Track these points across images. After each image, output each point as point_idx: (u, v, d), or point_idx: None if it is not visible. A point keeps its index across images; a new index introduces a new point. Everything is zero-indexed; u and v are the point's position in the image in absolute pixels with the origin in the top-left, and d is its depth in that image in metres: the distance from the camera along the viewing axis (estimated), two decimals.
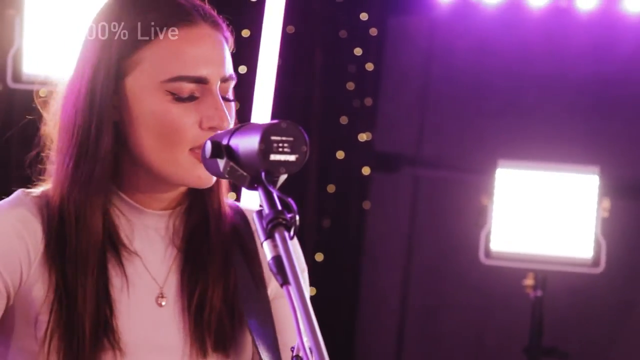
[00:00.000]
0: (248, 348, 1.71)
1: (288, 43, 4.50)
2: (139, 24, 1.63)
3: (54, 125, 1.67)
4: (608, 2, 4.80)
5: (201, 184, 1.61)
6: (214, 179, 1.62)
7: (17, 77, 3.31)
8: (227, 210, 1.72)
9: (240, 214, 1.74)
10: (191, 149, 1.60)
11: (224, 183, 1.70)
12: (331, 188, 5.02)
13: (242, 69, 3.87)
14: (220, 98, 1.61)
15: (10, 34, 3.39)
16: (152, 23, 1.63)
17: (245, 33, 4.22)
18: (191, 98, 1.60)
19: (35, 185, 1.69)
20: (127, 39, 1.63)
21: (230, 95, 1.66)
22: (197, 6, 1.65)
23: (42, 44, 3.35)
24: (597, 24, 4.85)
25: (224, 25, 1.67)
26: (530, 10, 4.87)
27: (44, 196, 1.66)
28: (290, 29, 4.73)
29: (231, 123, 1.64)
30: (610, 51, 4.96)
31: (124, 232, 1.66)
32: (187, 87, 1.60)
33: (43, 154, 1.69)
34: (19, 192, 1.66)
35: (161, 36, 1.62)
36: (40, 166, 1.70)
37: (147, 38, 1.62)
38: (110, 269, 1.64)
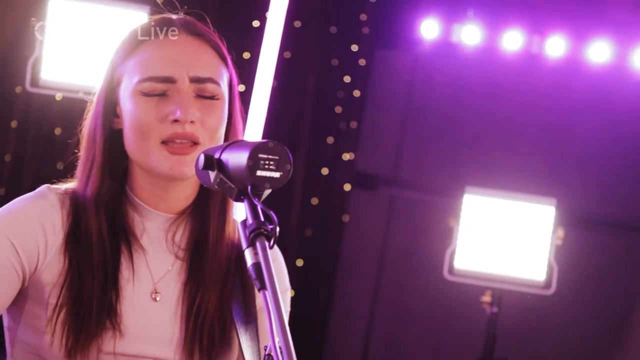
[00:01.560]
0: (232, 357, 1.71)
1: (284, 67, 4.51)
2: (126, 42, 1.69)
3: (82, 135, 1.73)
4: (574, 52, 4.82)
5: (174, 175, 1.62)
6: (191, 172, 1.59)
7: (34, 83, 3.30)
8: (230, 221, 1.71)
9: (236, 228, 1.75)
10: (162, 142, 1.62)
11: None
12: (314, 200, 5.02)
13: (241, 88, 3.87)
14: (189, 95, 1.62)
15: (32, 41, 3.39)
16: (132, 39, 1.68)
17: (246, 55, 4.22)
18: (161, 96, 1.63)
19: (62, 182, 1.72)
20: (118, 57, 1.69)
21: (216, 93, 1.65)
22: (181, 20, 1.69)
23: (61, 54, 3.34)
24: (562, 70, 4.88)
25: (209, 35, 1.69)
26: (504, 54, 4.89)
27: (67, 192, 1.68)
28: (287, 54, 4.74)
29: (220, 120, 1.66)
30: (571, 95, 4.99)
31: (137, 229, 1.68)
32: (157, 87, 1.63)
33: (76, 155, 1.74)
34: (43, 187, 1.69)
35: (138, 48, 1.66)
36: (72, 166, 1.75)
37: (129, 52, 1.67)
38: (122, 260, 1.65)
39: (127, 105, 1.64)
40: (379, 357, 5.17)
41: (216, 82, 1.65)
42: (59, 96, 3.86)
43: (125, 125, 1.65)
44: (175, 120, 1.60)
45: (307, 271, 4.93)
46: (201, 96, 1.64)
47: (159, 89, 1.62)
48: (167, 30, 1.67)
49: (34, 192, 1.68)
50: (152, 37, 1.66)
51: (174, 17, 1.71)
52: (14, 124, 4.30)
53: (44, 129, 4.24)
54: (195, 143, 1.61)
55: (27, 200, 1.67)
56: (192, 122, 1.61)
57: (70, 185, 1.70)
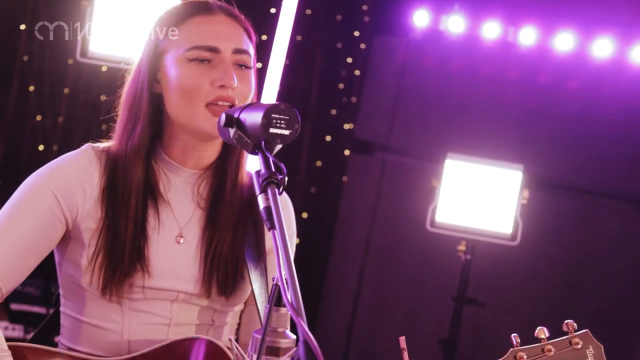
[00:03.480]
0: (243, 294, 1.72)
1: (295, 48, 4.48)
2: (171, 17, 1.68)
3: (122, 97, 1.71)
4: (543, 41, 4.80)
5: (215, 133, 1.60)
6: None
7: (84, 54, 3.29)
8: (244, 176, 1.72)
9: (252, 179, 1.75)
10: (206, 105, 1.61)
11: (244, 155, 1.70)
12: (318, 163, 5.02)
13: (259, 65, 3.86)
14: (231, 64, 1.63)
15: (82, 19, 3.37)
16: (182, 14, 1.67)
17: (264, 37, 4.20)
18: (207, 63, 1.62)
19: (103, 140, 1.72)
20: (163, 29, 1.67)
21: (249, 64, 1.66)
22: (219, 4, 1.70)
23: (106, 30, 3.33)
24: (532, 56, 4.86)
25: (241, 18, 1.70)
26: (484, 41, 4.87)
27: (106, 150, 1.68)
28: (299, 37, 4.71)
29: (251, 88, 1.66)
30: (539, 77, 4.97)
31: (162, 184, 1.68)
32: (203, 55, 1.62)
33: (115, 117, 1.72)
34: (86, 146, 1.69)
35: (187, 22, 1.65)
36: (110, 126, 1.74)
37: (175, 25, 1.66)
38: (149, 211, 1.66)
39: (172, 71, 1.63)
40: (370, 295, 5.19)
41: (250, 54, 1.66)
42: (104, 67, 3.85)
43: (170, 89, 1.63)
44: (222, 86, 1.60)
45: (310, 222, 4.95)
46: (239, 65, 1.64)
47: (204, 57, 1.61)
48: (208, 10, 1.67)
49: (77, 150, 1.68)
50: (197, 15, 1.65)
51: (211, 0, 1.71)
52: (66, 90, 4.30)
53: (91, 95, 4.23)
54: (232, 106, 1.61)
55: (69, 157, 1.66)
56: (233, 88, 1.61)
57: (109, 143, 1.69)
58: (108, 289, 1.61)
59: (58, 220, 1.62)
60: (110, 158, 1.66)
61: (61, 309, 1.72)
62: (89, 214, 1.63)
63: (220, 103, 1.60)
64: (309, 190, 5.01)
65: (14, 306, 3.94)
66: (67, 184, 1.62)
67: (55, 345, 1.73)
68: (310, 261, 4.96)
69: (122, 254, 1.61)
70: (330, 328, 5.12)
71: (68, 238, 1.65)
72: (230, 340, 1.36)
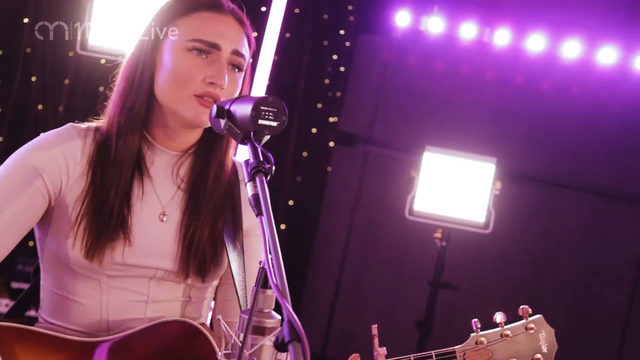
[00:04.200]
0: (219, 273, 1.70)
1: (284, 45, 4.47)
2: (180, 6, 1.65)
3: (117, 77, 1.67)
4: (516, 41, 4.81)
5: (197, 121, 1.60)
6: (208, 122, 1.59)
7: (83, 47, 3.27)
8: (229, 164, 1.70)
9: (234, 166, 1.73)
10: (195, 95, 1.59)
11: (232, 144, 1.69)
12: (305, 154, 5.02)
13: (250, 60, 3.85)
14: (226, 64, 1.61)
15: (82, 15, 3.35)
16: (196, 3, 1.64)
17: (255, 34, 4.18)
18: (204, 57, 1.60)
19: (87, 121, 1.69)
20: (168, 15, 1.64)
21: (243, 67, 1.64)
22: (231, 7, 1.68)
23: (105, 24, 3.30)
24: (506, 56, 4.87)
25: (247, 25, 1.69)
26: (461, 41, 4.88)
27: (90, 128, 1.65)
28: (287, 35, 4.70)
29: (237, 91, 1.65)
30: (512, 76, 4.98)
31: (148, 161, 1.66)
32: (203, 48, 1.60)
33: (106, 98, 1.69)
34: (67, 125, 1.66)
35: (197, 13, 1.63)
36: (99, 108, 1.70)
37: (182, 14, 1.63)
38: (134, 183, 1.63)
39: (169, 55, 1.60)
40: (351, 279, 5.20)
41: (245, 59, 1.65)
42: (102, 60, 3.82)
43: (163, 71, 1.61)
44: (212, 83, 1.59)
45: (296, 209, 4.95)
46: (233, 66, 1.62)
47: (204, 49, 1.60)
48: (220, 9, 1.64)
49: (59, 128, 1.64)
50: (208, 10, 1.63)
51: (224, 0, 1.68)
52: (66, 81, 4.27)
53: (91, 86, 4.20)
54: (216, 102, 1.58)
55: (51, 134, 1.63)
56: (222, 87, 1.60)
57: (94, 123, 1.67)
58: (91, 251, 1.57)
59: (41, 195, 1.58)
60: (101, 132, 1.62)
61: (41, 282, 1.68)
62: (72, 189, 1.60)
63: (206, 98, 1.59)
64: (295, 179, 5.00)
65: (15, 284, 3.93)
66: (50, 160, 1.59)
67: (31, 318, 1.70)
68: (295, 246, 4.96)
69: (106, 217, 1.58)
70: (314, 309, 5.13)
71: (50, 214, 1.62)
72: (219, 319, 1.35)
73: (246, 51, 1.65)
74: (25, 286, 4.05)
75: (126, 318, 1.62)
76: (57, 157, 1.60)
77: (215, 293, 1.77)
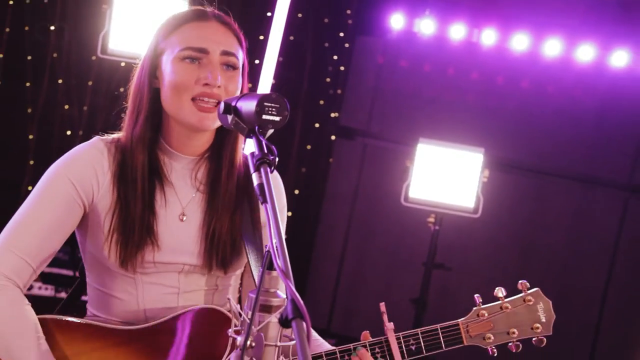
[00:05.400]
0: (240, 264, 1.71)
1: (288, 46, 4.46)
2: (170, 23, 1.65)
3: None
4: (502, 41, 4.80)
5: (199, 126, 1.60)
6: (215, 124, 1.59)
7: (104, 51, 3.26)
8: (239, 160, 1.69)
9: (247, 161, 1.72)
10: (192, 99, 1.59)
11: (240, 142, 1.68)
12: (308, 147, 5.02)
13: (257, 61, 3.84)
14: (218, 65, 1.60)
15: (102, 21, 3.34)
16: (180, 20, 1.65)
17: (261, 37, 4.17)
18: (197, 63, 1.60)
19: (110, 133, 1.69)
20: (162, 33, 1.65)
21: (236, 65, 1.63)
22: (214, 13, 1.67)
23: (123, 30, 3.30)
24: (493, 54, 4.86)
25: (233, 25, 1.67)
26: (451, 42, 4.86)
27: (115, 140, 1.66)
28: (291, 37, 4.68)
29: (237, 86, 1.64)
30: (499, 73, 4.97)
31: (165, 169, 1.66)
32: (193, 55, 1.60)
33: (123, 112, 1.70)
34: (95, 138, 1.67)
35: (183, 27, 1.63)
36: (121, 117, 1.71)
37: (172, 30, 1.63)
38: (156, 191, 1.64)
39: (167, 68, 1.61)
40: (352, 261, 5.21)
41: (237, 57, 1.63)
42: (122, 63, 3.82)
43: (164, 84, 1.61)
44: (206, 84, 1.58)
45: (301, 198, 4.95)
46: (226, 66, 1.61)
47: (194, 57, 1.59)
48: (203, 17, 1.64)
49: (87, 142, 1.65)
50: (192, 21, 1.63)
51: (208, 9, 1.68)
52: (90, 83, 4.28)
53: (112, 87, 4.21)
54: (218, 103, 1.58)
55: (81, 149, 1.64)
56: (218, 86, 1.58)
57: (116, 135, 1.67)
58: (125, 262, 1.60)
59: (77, 204, 1.61)
60: (119, 147, 1.64)
61: (87, 280, 1.72)
62: (102, 198, 1.62)
63: (205, 99, 1.58)
64: (300, 170, 5.00)
65: (46, 269, 3.93)
66: (82, 172, 1.61)
67: (83, 305, 1.73)
68: (301, 232, 4.96)
69: (133, 230, 1.60)
70: (318, 290, 5.13)
71: (87, 220, 1.64)
72: (228, 299, 1.35)
73: (237, 50, 1.64)
74: (56, 271, 4.05)
75: (162, 307, 1.64)
76: (88, 168, 1.62)
77: (242, 277, 1.78)
